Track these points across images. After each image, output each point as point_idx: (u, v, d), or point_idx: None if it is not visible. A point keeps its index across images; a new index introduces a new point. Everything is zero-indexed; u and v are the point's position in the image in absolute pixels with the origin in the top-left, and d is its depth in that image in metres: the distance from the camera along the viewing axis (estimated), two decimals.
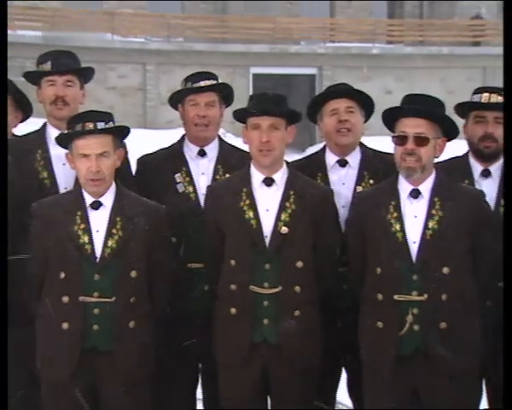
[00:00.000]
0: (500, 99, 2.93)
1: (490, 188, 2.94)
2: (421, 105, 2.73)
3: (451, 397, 2.68)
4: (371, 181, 3.05)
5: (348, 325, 2.92)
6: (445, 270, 2.66)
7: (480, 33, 19.79)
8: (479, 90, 3.03)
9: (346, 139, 3.07)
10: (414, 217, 2.72)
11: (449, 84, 18.03)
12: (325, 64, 19.31)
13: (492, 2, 20.29)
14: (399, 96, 2.86)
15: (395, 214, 2.73)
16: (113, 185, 2.79)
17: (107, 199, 2.77)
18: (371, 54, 19.46)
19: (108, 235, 2.73)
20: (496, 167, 2.99)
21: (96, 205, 2.75)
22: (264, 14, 19.62)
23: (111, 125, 2.77)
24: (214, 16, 20.00)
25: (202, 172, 3.15)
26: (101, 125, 2.72)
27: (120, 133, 2.84)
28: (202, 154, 3.17)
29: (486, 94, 2.96)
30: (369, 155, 3.14)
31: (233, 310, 2.82)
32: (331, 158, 3.14)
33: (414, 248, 2.69)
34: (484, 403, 2.99)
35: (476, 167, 3.01)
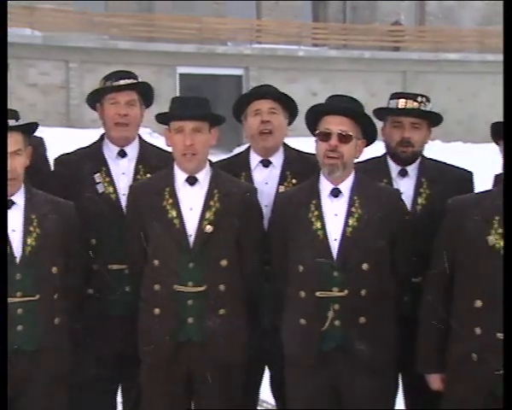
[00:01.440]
0: (416, 105, 3.04)
1: (407, 187, 3.04)
2: (343, 104, 2.80)
3: (370, 391, 2.74)
4: (294, 181, 3.10)
5: (272, 324, 2.95)
6: (365, 266, 2.73)
7: (399, 39, 20.44)
8: (395, 96, 3.12)
9: (268, 142, 3.12)
10: (334, 215, 2.79)
11: (371, 87, 18.53)
12: (252, 65, 19.43)
13: (411, 9, 21.02)
14: (324, 97, 2.91)
15: (316, 213, 2.79)
16: (22, 184, 2.75)
17: (19, 198, 2.73)
18: (297, 56, 19.74)
19: (26, 233, 2.69)
20: (412, 167, 3.09)
21: (10, 204, 2.70)
22: (190, 13, 19.54)
23: (21, 122, 2.71)
24: (140, 15, 19.74)
25: (123, 172, 3.12)
26: (12, 122, 2.67)
27: (30, 131, 2.78)
28: (122, 154, 3.14)
29: (403, 100, 3.05)
30: (292, 156, 3.20)
31: (157, 310, 2.81)
32: (255, 158, 3.18)
33: (335, 246, 2.75)
34: (400, 396, 3.08)
35: (394, 167, 3.10)
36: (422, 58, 19.69)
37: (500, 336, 2.43)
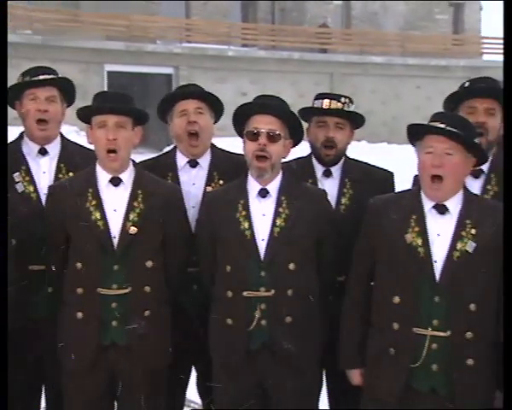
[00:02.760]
0: (340, 105, 3.11)
1: (331, 187, 3.09)
2: (271, 104, 2.82)
3: (295, 389, 2.77)
4: (221, 181, 3.10)
5: (198, 324, 2.95)
6: (292, 266, 2.76)
7: (326, 41, 20.82)
8: (320, 96, 3.17)
9: (195, 143, 3.11)
10: (262, 215, 2.81)
11: (300, 88, 18.79)
12: (181, 64, 19.31)
13: (337, 12, 21.46)
14: (254, 97, 2.94)
15: (244, 213, 2.80)
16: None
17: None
18: (227, 56, 19.77)
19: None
20: (336, 168, 3.15)
21: None
22: (120, 11, 19.21)
23: None
24: (67, 10, 19.23)
25: (43, 171, 3.05)
26: None
27: None
28: (43, 152, 3.06)
29: (327, 100, 3.10)
30: (220, 156, 3.20)
31: (79, 314, 2.76)
32: (181, 158, 3.16)
33: (262, 246, 2.77)
34: (324, 393, 3.14)
35: (318, 168, 3.16)
36: (348, 60, 20.12)
37: (416, 330, 2.52)
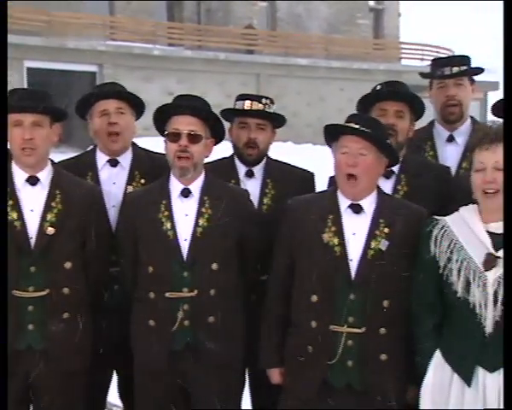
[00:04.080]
0: (261, 106, 3.15)
1: (253, 187, 3.13)
2: (192, 104, 2.81)
3: (217, 388, 2.78)
4: (142, 181, 3.08)
5: (120, 326, 2.91)
6: (214, 266, 2.77)
7: (252, 42, 20.95)
8: (241, 98, 3.20)
9: (116, 144, 3.08)
10: (185, 215, 2.80)
11: (226, 88, 18.80)
12: (106, 62, 18.92)
13: (263, 14, 21.65)
14: (174, 97, 2.94)
15: (166, 213, 2.79)
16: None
17: None
18: (152, 55, 19.54)
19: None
20: (258, 168, 3.19)
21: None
22: (42, 6, 18.62)
23: None
24: None
25: None
26: None
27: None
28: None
29: (249, 101, 3.14)
30: (141, 156, 3.18)
31: None
32: (102, 157, 3.13)
33: (185, 246, 2.76)
34: (246, 391, 3.16)
35: (241, 168, 3.19)
36: (274, 62, 20.32)
37: (333, 328, 2.58)
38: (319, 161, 6.90)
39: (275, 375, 2.75)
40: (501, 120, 2.64)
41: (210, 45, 20.48)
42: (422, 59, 21.35)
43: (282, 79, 20.17)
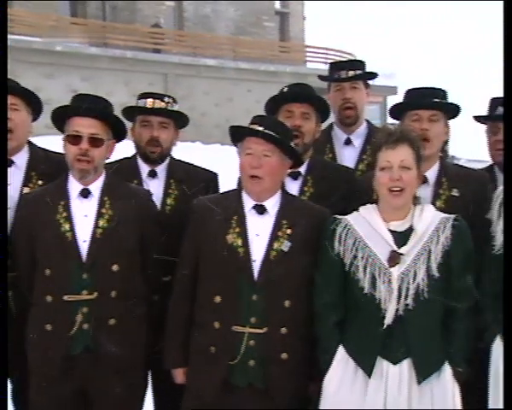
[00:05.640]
0: (163, 105, 3.12)
1: (156, 187, 3.09)
2: (93, 106, 2.75)
3: (119, 392, 2.74)
4: (40, 182, 2.98)
5: (16, 332, 2.78)
6: (115, 267, 2.72)
7: (160, 41, 20.73)
8: (144, 96, 3.15)
9: (10, 142, 2.95)
10: (84, 216, 2.75)
11: (133, 88, 18.47)
12: None
13: (170, 13, 21.48)
14: (72, 97, 2.84)
15: (64, 214, 2.72)
16: None
17: None
18: (55, 51, 18.90)
19: None
20: (161, 168, 3.15)
21: None
22: None
23: None
24: None
25: None
26: None
27: None
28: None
29: (151, 100, 3.10)
30: (39, 155, 3.06)
31: None
32: None
33: (84, 247, 2.71)
34: (149, 392, 3.11)
35: (143, 168, 3.14)
36: (182, 62, 20.20)
37: (235, 328, 2.58)
38: (228, 162, 6.93)
39: (179, 375, 2.73)
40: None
41: (116, 43, 20.07)
42: (326, 62, 21.93)
43: (191, 79, 20.09)
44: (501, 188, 2.57)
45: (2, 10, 2.72)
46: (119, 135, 2.85)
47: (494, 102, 3.18)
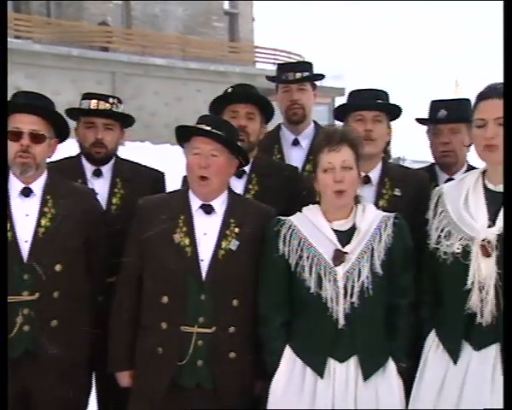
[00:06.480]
0: (108, 106, 3.07)
1: (101, 187, 3.05)
2: (37, 102, 2.71)
3: (61, 395, 2.69)
4: None
5: None
6: (58, 267, 2.67)
7: (107, 39, 20.44)
8: (87, 97, 3.12)
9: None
10: (26, 215, 2.69)
11: (81, 86, 18.14)
12: None
13: (117, 12, 21.21)
14: (13, 94, 2.77)
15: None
16: None
17: None
18: None
19: None
20: (107, 168, 3.11)
21: None
22: None
23: None
24: None
25: None
26: None
27: None
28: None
29: (95, 101, 3.06)
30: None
31: None
32: None
33: (25, 248, 2.65)
34: (93, 395, 3.04)
35: (88, 167, 3.10)
36: (131, 61, 19.97)
37: (183, 329, 2.56)
38: (177, 162, 6.89)
39: (124, 378, 2.69)
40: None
41: (62, 40, 19.67)
42: (275, 63, 22.04)
43: (139, 78, 19.88)
44: (437, 188, 2.63)
45: (3, 10, 2.67)
46: (62, 134, 2.80)
47: (434, 105, 3.24)
